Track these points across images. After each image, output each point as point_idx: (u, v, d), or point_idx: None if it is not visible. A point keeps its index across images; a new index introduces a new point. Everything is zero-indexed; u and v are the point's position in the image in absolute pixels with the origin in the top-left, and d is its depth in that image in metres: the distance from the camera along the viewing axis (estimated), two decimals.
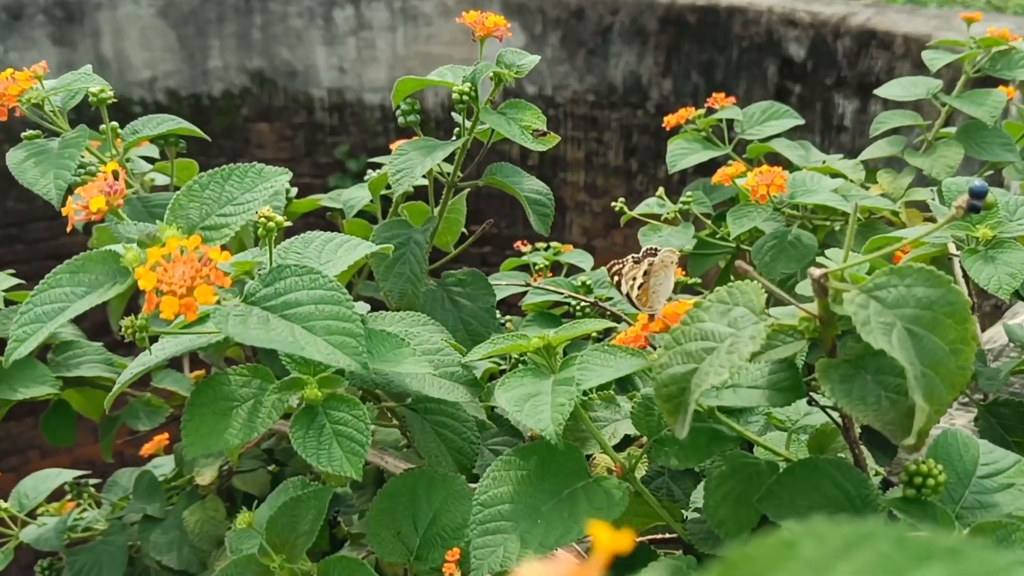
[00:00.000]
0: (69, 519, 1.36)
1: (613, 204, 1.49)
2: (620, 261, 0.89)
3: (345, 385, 0.71)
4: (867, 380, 0.61)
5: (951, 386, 0.57)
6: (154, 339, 0.74)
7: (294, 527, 0.70)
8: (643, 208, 1.48)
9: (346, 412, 0.69)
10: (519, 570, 0.25)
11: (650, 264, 0.83)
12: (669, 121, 1.48)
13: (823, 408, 0.73)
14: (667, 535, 0.87)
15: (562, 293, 1.23)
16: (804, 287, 0.74)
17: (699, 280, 1.58)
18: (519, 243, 1.64)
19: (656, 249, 0.84)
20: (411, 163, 0.94)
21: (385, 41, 5.48)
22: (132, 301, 1.11)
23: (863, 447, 0.73)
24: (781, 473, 0.69)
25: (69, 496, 1.40)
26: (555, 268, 1.64)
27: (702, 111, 1.47)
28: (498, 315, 1.53)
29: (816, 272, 0.60)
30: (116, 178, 0.63)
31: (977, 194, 0.54)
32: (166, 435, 1.50)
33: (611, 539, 0.26)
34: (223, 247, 0.62)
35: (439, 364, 0.79)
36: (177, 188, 1.12)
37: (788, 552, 0.23)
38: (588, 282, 1.45)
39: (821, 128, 4.31)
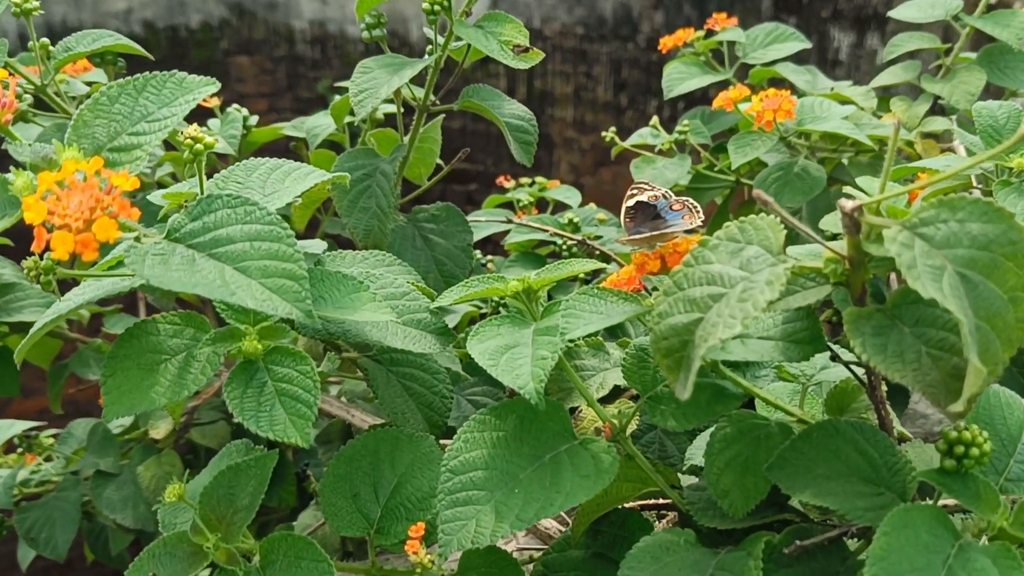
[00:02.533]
0: (19, 474, 1.26)
1: (603, 134, 1.38)
2: (646, 184, 0.76)
3: (292, 337, 0.61)
4: (905, 333, 0.51)
5: (1008, 341, 0.48)
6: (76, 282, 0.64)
7: (232, 500, 0.60)
8: (635, 139, 1.37)
9: (291, 368, 0.59)
10: None
11: (663, 228, 0.70)
12: (665, 43, 1.36)
13: (845, 363, 0.64)
14: (662, 500, 0.78)
15: (547, 231, 1.12)
16: (827, 223, 0.64)
17: None
18: (502, 178, 1.53)
19: (692, 204, 0.72)
20: (375, 83, 0.83)
21: None
22: None
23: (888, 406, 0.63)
24: (795, 437, 0.60)
25: (20, 449, 1.31)
26: (541, 205, 1.53)
27: (701, 33, 1.35)
28: (478, 255, 1.43)
29: (848, 204, 0.50)
30: (6, 89, 0.52)
31: None
32: None
33: None
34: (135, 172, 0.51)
35: (404, 310, 0.69)
36: None
37: None
38: (575, 219, 1.35)
39: (817, 62, 4.18)
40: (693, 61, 1.35)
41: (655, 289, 0.72)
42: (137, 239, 0.55)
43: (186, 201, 0.59)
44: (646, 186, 0.72)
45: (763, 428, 0.64)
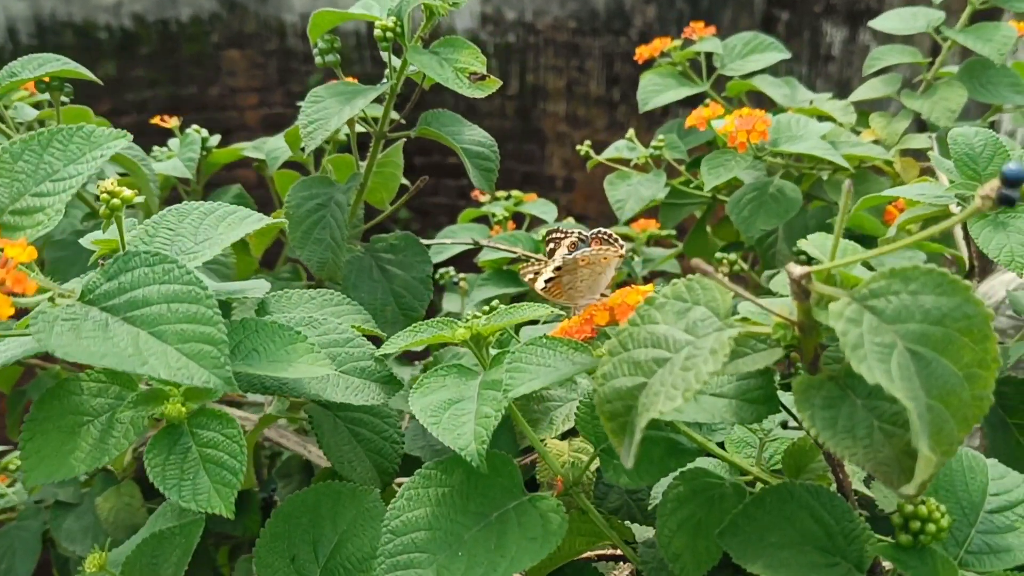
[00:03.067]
0: None
1: (578, 148, 1.35)
2: (561, 233, 0.75)
3: (219, 395, 0.58)
4: (857, 406, 0.48)
5: (963, 421, 0.45)
6: None
7: (155, 570, 0.57)
8: (611, 152, 1.34)
9: (217, 431, 0.56)
10: None
11: (565, 259, 0.69)
12: (642, 53, 1.33)
13: (801, 424, 0.61)
14: (616, 551, 0.75)
15: (516, 252, 1.09)
16: (778, 283, 0.61)
17: (673, 232, 1.45)
18: (477, 192, 1.49)
19: (607, 235, 0.70)
20: (326, 112, 0.80)
21: None
22: None
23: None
24: (748, 502, 0.57)
25: None
26: (517, 219, 1.50)
27: (678, 42, 1.32)
28: (451, 272, 1.39)
29: (796, 271, 0.47)
30: None
31: (1012, 180, 0.41)
32: None
33: None
34: (34, 240, 0.48)
35: (346, 358, 0.66)
36: None
37: None
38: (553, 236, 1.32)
39: (809, 57, 4.16)
40: (669, 72, 1.32)
41: (608, 338, 0.69)
42: (51, 300, 0.52)
43: (102, 259, 0.56)
44: (559, 235, 0.70)
45: (717, 488, 0.61)
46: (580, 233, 0.68)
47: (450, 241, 1.18)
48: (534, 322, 1.00)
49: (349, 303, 0.74)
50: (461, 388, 0.64)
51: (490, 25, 5.26)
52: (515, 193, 1.49)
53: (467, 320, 0.69)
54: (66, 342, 0.48)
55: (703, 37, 1.31)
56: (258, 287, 0.72)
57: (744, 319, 0.53)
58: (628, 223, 1.43)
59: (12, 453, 1.35)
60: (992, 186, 0.41)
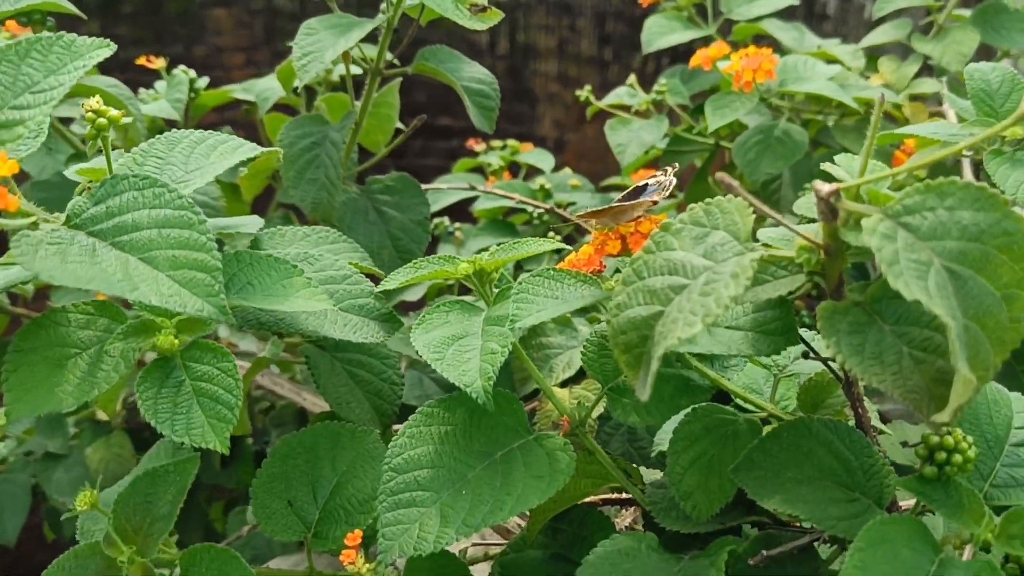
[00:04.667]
0: None
1: (577, 93, 1.31)
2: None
3: (214, 328, 0.56)
4: (885, 332, 0.46)
5: (1001, 343, 0.43)
6: None
7: (149, 509, 0.55)
8: (612, 99, 1.30)
9: (211, 365, 0.53)
10: None
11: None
12: None
13: (820, 357, 0.59)
14: (625, 495, 0.73)
15: (514, 199, 1.07)
16: (802, 205, 0.58)
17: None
18: (472, 141, 1.46)
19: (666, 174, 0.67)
20: (320, 45, 0.77)
21: None
22: None
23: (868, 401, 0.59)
24: (764, 437, 0.55)
25: None
26: (513, 169, 1.47)
27: None
28: (446, 222, 1.37)
29: (824, 188, 0.44)
30: None
31: None
32: None
33: None
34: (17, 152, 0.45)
35: (344, 295, 0.64)
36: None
37: None
38: (547, 186, 1.29)
39: (804, 15, 4.11)
40: (675, 16, 1.28)
41: (617, 271, 0.66)
42: (34, 224, 0.49)
43: (90, 182, 0.53)
44: (660, 173, 0.66)
45: (731, 425, 0.59)
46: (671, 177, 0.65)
47: (447, 186, 1.15)
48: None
49: (346, 241, 0.72)
50: (465, 324, 0.61)
51: None
52: (511, 142, 1.46)
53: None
54: (51, 266, 0.46)
55: None
56: (251, 223, 0.69)
57: (765, 244, 0.51)
58: (628, 174, 1.40)
59: None
60: None
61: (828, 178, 0.50)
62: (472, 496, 0.58)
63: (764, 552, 0.55)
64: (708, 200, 0.50)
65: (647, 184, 0.66)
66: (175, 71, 1.07)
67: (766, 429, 0.57)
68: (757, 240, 0.52)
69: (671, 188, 0.65)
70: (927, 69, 1.18)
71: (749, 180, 1.03)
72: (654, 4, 1.28)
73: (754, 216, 0.48)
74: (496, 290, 0.66)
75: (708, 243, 0.49)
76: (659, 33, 1.23)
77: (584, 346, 0.65)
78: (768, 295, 0.50)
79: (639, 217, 0.62)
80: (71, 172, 0.62)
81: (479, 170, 1.47)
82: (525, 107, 5.52)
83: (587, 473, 0.66)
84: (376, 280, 0.69)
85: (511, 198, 1.09)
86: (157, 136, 0.61)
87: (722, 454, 0.58)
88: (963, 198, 0.42)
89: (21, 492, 1.16)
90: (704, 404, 0.60)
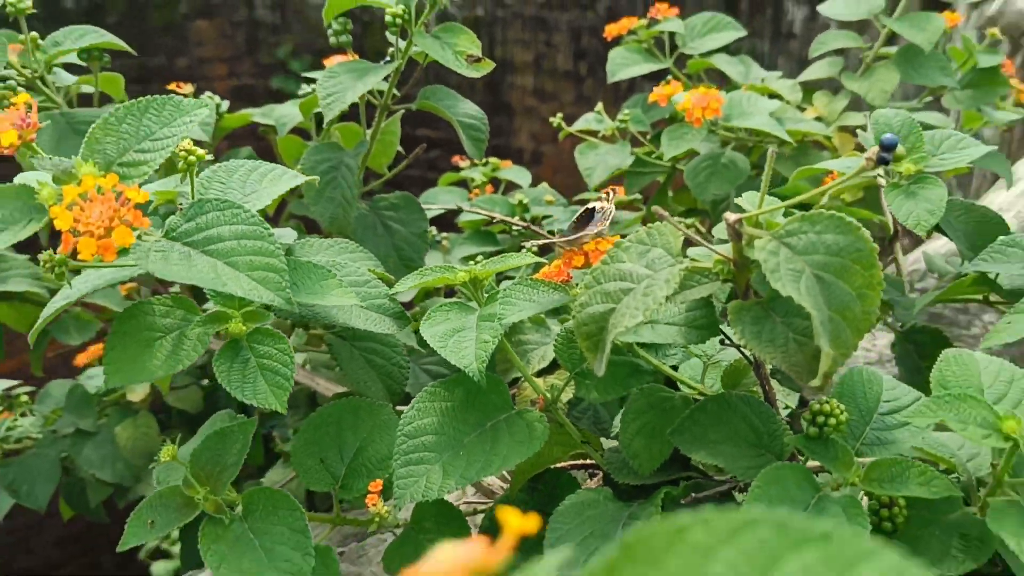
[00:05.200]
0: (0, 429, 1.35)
1: (551, 119, 1.48)
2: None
3: (271, 318, 0.71)
4: (776, 323, 0.62)
5: (857, 330, 0.59)
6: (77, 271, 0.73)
7: (219, 459, 0.71)
8: (581, 124, 1.47)
9: (271, 346, 0.69)
10: (429, 561, 0.26)
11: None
12: (610, 31, 1.46)
13: (735, 346, 0.75)
14: (590, 460, 0.89)
15: (494, 217, 1.23)
16: (720, 229, 0.75)
17: (639, 197, 1.59)
18: (456, 157, 1.62)
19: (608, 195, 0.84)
20: (342, 87, 0.93)
21: None
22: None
23: (774, 381, 0.75)
24: (694, 408, 0.71)
25: (0, 408, 1.40)
26: (494, 183, 1.63)
27: (644, 21, 1.45)
28: (433, 231, 1.53)
29: (731, 217, 0.61)
30: (29, 111, 0.61)
31: (887, 146, 0.55)
32: (101, 345, 1.48)
33: (519, 522, 0.27)
34: (142, 184, 0.61)
35: (366, 296, 0.80)
36: (104, 102, 1.09)
37: (679, 537, 0.24)
38: (525, 200, 1.45)
39: (771, 34, 4.30)
40: (636, 48, 1.45)
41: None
42: (139, 237, 0.65)
43: (180, 202, 0.68)
44: (604, 195, 0.83)
45: (669, 400, 0.76)
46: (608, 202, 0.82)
47: (436, 206, 1.31)
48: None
49: (362, 251, 0.87)
50: (463, 320, 0.77)
51: (446, 22, 5.34)
52: (492, 160, 1.62)
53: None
54: (160, 267, 0.61)
55: (667, 17, 1.44)
56: (287, 234, 0.85)
57: (692, 259, 0.67)
58: (597, 190, 1.56)
59: (22, 388, 1.46)
60: (873, 151, 0.55)
61: (739, 210, 0.66)
62: (467, 456, 0.74)
63: (693, 495, 0.71)
64: (650, 225, 0.67)
65: (593, 209, 0.82)
66: (202, 96, 1.22)
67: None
68: (686, 256, 0.68)
69: (611, 215, 0.82)
70: (856, 103, 1.35)
71: (700, 200, 1.20)
72: (618, 37, 1.45)
73: (683, 238, 0.65)
74: (486, 295, 0.82)
75: (649, 257, 0.65)
76: (622, 64, 1.39)
77: (556, 339, 0.81)
78: (695, 296, 0.67)
79: (596, 238, 0.79)
80: (150, 191, 0.78)
81: (463, 183, 1.63)
82: (503, 120, 5.66)
83: (558, 442, 0.83)
84: (386, 284, 0.85)
85: (492, 216, 1.25)
86: (218, 164, 0.77)
87: (661, 422, 0.74)
88: (828, 225, 0.59)
89: (52, 465, 1.30)
90: (649, 384, 0.77)
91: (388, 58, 1.01)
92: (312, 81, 1.26)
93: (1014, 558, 0.60)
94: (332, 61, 1.03)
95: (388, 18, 0.94)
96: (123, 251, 0.58)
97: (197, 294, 0.98)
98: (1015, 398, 0.68)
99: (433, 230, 1.53)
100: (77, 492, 1.42)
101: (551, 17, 5.43)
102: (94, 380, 1.40)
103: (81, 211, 0.55)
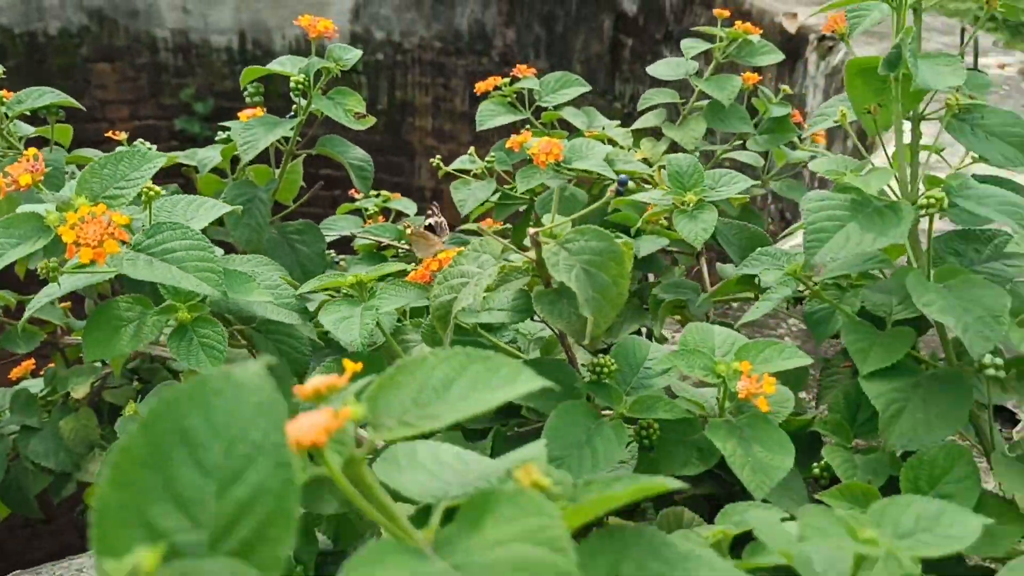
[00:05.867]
0: None
1: (431, 160, 1.76)
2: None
3: (207, 310, 0.97)
4: (564, 303, 0.91)
5: (614, 305, 0.89)
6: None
7: None
8: (457, 164, 1.76)
9: (208, 329, 0.95)
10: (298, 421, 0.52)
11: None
12: (479, 88, 1.75)
13: (549, 326, 1.04)
14: None
15: (382, 241, 1.50)
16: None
17: (509, 226, 1.88)
18: (353, 191, 1.89)
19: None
20: (256, 137, 1.20)
21: None
22: None
23: (581, 349, 1.05)
24: None
25: None
26: (386, 212, 1.91)
27: (507, 80, 1.75)
28: (332, 254, 1.79)
29: (532, 231, 0.90)
30: (36, 159, 0.86)
31: (622, 183, 0.85)
32: (32, 361, 1.70)
33: (353, 366, 0.54)
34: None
35: (278, 296, 1.06)
36: (58, 147, 1.34)
37: (422, 362, 0.52)
38: (411, 227, 1.73)
39: (650, 80, 4.67)
40: (501, 102, 1.74)
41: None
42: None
43: (137, 224, 0.94)
44: (433, 212, 1.12)
45: None
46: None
47: (335, 232, 1.58)
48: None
49: (274, 264, 1.14)
50: (351, 310, 1.04)
51: (360, 44, 5.61)
52: (384, 193, 1.89)
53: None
54: (133, 270, 0.87)
55: (526, 76, 1.74)
56: (216, 251, 1.11)
57: (509, 261, 0.96)
58: (476, 220, 1.85)
59: None
60: (615, 187, 0.85)
61: (539, 225, 0.95)
62: None
63: (517, 429, 0.99)
64: (479, 240, 0.95)
65: (431, 224, 1.11)
66: (136, 143, 1.47)
67: None
68: (508, 259, 0.97)
69: (444, 225, 1.10)
70: (675, 147, 1.67)
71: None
72: (486, 92, 1.74)
73: (502, 248, 0.94)
74: (368, 294, 1.10)
75: (479, 260, 0.94)
76: (489, 116, 1.69)
77: (424, 326, 1.09)
78: (513, 288, 0.95)
79: (441, 248, 1.07)
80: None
81: (358, 212, 1.90)
82: (404, 159, 5.92)
83: None
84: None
85: (379, 240, 1.52)
86: (165, 198, 1.03)
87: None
88: (592, 235, 0.88)
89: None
90: None
91: (293, 113, 1.28)
92: (225, 129, 1.52)
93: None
94: (246, 115, 1.30)
95: (292, 84, 1.21)
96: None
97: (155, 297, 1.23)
98: (734, 354, 0.98)
99: (332, 252, 1.80)
100: (15, 490, 1.63)
101: (448, 62, 5.74)
102: (35, 386, 1.61)
103: (82, 229, 0.81)
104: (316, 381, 0.52)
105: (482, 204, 1.67)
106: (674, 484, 0.52)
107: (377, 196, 1.90)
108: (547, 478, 0.49)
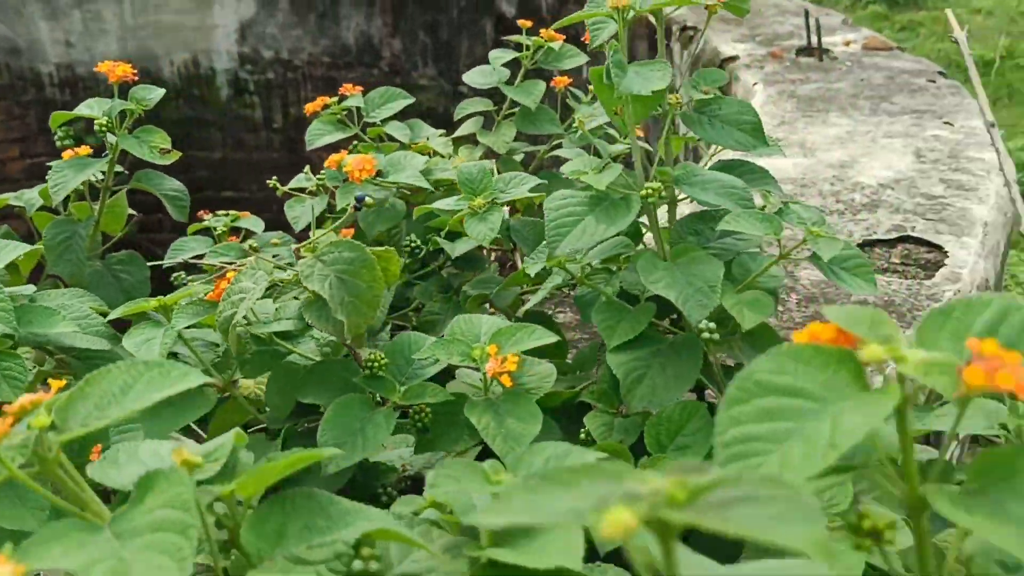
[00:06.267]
0: None
1: (268, 181, 1.86)
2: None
3: (8, 344, 1.06)
4: (324, 309, 1.02)
5: (371, 306, 1.00)
6: None
7: None
8: (294, 183, 1.85)
9: (10, 362, 1.04)
10: None
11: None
12: (309, 108, 1.85)
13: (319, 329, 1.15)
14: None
15: (215, 264, 1.59)
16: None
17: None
18: (201, 212, 1.98)
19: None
20: (66, 179, 1.29)
21: (112, 12, 5.50)
22: None
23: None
24: (306, 372, 1.10)
25: None
26: (236, 231, 1.99)
27: (336, 99, 1.85)
28: (183, 275, 1.88)
29: (294, 246, 1.01)
30: None
31: (359, 200, 0.96)
32: None
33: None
34: None
35: (85, 326, 1.15)
36: None
37: (107, 372, 0.62)
38: (255, 244, 1.82)
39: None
40: (331, 120, 1.84)
41: None
42: None
43: None
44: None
45: (298, 370, 1.14)
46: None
47: (182, 258, 1.67)
48: None
49: (90, 296, 1.23)
50: (154, 332, 1.14)
51: (248, 65, 5.66)
52: (232, 212, 1.98)
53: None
54: None
55: (352, 95, 1.85)
56: (27, 289, 1.20)
57: (279, 278, 1.07)
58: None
59: None
60: (355, 202, 0.96)
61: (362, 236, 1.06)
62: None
63: (307, 425, 1.10)
64: (255, 258, 1.06)
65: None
66: None
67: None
68: (278, 275, 1.08)
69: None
70: (491, 152, 1.79)
71: (369, 236, 1.60)
72: (316, 113, 1.84)
73: (272, 265, 1.04)
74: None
75: (255, 277, 1.04)
76: (319, 135, 1.79)
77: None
78: (287, 297, 1.06)
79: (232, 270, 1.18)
80: None
81: (208, 231, 1.98)
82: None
83: (232, 410, 1.20)
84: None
85: (213, 264, 1.61)
86: None
87: (291, 382, 1.13)
88: (345, 247, 0.99)
89: None
90: (285, 361, 1.15)
91: (107, 152, 1.37)
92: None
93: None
94: (67, 155, 1.38)
95: (97, 127, 1.30)
96: None
97: None
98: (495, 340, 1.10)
99: (183, 274, 1.88)
100: None
101: (339, 76, 5.80)
102: None
103: None
104: (24, 398, 0.62)
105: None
106: (329, 452, 0.63)
107: (227, 215, 1.99)
108: (200, 457, 0.60)
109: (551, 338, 1.06)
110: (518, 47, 1.83)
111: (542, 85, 1.75)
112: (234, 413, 1.20)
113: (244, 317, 1.01)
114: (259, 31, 5.74)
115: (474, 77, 1.82)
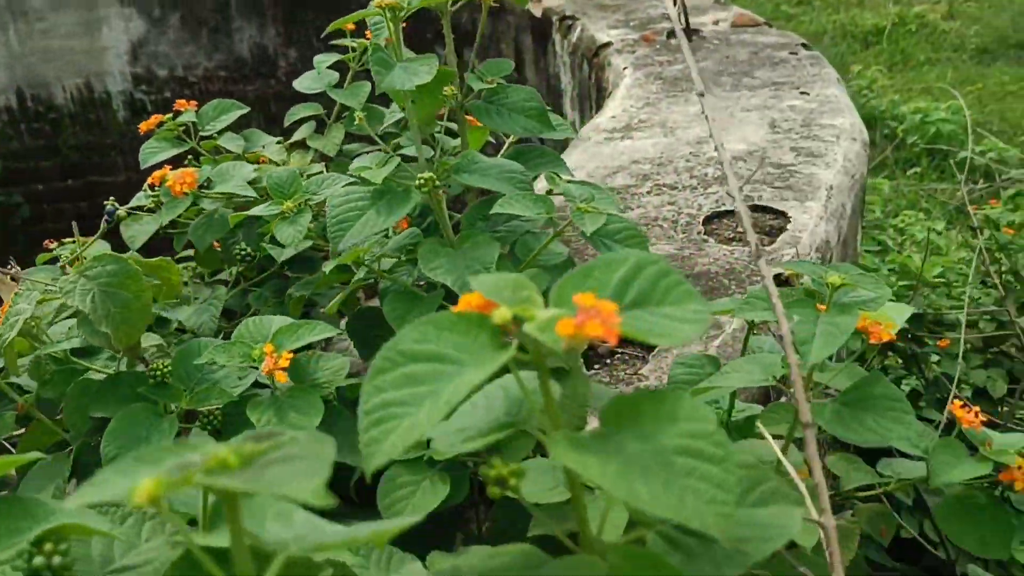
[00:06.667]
0: None
1: (104, 203, 1.85)
2: None
3: None
4: (91, 323, 1.03)
5: (141, 316, 1.01)
6: None
7: None
8: (134, 203, 1.84)
9: None
10: None
11: None
12: (143, 127, 1.84)
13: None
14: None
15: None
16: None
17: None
18: (47, 241, 1.97)
19: None
20: None
21: None
22: None
23: None
24: (97, 386, 1.11)
25: None
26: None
27: (170, 116, 1.84)
28: None
29: (59, 264, 1.02)
30: None
31: (109, 215, 0.98)
32: None
33: None
34: None
35: None
36: None
37: None
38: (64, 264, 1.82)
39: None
40: (167, 137, 1.83)
41: None
42: None
43: None
44: None
45: (94, 383, 1.15)
46: None
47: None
48: None
49: None
50: None
51: (144, 85, 5.60)
52: (80, 239, 1.97)
53: None
54: None
55: (187, 110, 1.85)
56: None
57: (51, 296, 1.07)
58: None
59: None
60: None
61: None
62: None
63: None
64: (29, 281, 1.06)
65: None
66: None
67: None
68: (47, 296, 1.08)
69: None
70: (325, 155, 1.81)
71: (199, 246, 1.61)
72: (150, 131, 1.84)
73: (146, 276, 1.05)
74: None
75: (30, 298, 1.05)
76: (152, 153, 1.78)
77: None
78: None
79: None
80: None
81: (55, 260, 1.97)
82: None
83: (41, 431, 1.20)
84: None
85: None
86: None
87: (84, 399, 1.14)
88: (107, 260, 1.01)
89: None
90: (83, 378, 1.16)
91: None
92: None
93: None
94: None
95: None
96: None
97: None
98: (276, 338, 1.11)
99: None
100: None
101: (237, 90, 5.76)
102: None
103: None
104: None
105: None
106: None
107: (73, 242, 1.98)
108: None
109: (330, 332, 1.08)
110: (343, 50, 1.84)
111: (367, 87, 1.77)
112: (42, 435, 1.20)
113: (39, 338, 1.02)
114: (151, 50, 5.68)
115: (304, 83, 1.83)
